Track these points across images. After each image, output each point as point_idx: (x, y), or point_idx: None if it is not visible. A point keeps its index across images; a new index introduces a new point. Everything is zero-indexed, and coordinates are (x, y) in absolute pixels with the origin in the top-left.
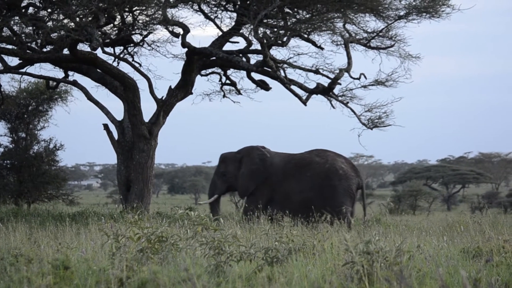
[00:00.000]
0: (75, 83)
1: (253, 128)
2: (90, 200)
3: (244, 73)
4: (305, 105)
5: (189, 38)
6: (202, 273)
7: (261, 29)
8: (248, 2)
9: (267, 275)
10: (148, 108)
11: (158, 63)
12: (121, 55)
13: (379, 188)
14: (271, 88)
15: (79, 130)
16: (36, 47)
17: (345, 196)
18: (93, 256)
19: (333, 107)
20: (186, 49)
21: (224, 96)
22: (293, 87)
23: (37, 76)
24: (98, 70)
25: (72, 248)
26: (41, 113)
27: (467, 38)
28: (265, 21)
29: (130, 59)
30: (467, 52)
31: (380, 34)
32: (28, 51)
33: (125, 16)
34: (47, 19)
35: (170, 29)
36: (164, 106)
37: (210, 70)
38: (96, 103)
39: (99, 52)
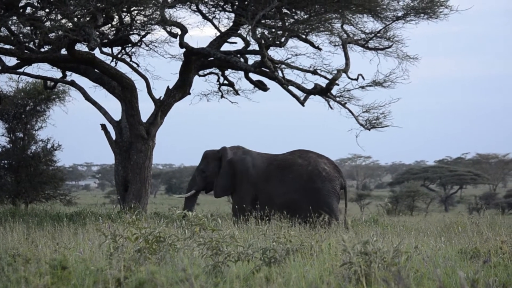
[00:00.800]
0: (73, 83)
1: (251, 129)
2: (88, 200)
3: (242, 73)
4: (303, 105)
5: (187, 39)
6: (200, 274)
7: (259, 29)
8: (246, 2)
9: (265, 276)
10: (146, 108)
11: (156, 64)
12: (119, 55)
13: (376, 189)
14: (269, 88)
15: (76, 130)
16: (34, 47)
17: (331, 197)
18: (91, 256)
19: (331, 108)
20: (184, 50)
21: (222, 96)
22: (291, 87)
23: (35, 76)
24: (96, 70)
25: (69, 248)
26: (39, 113)
27: (465, 39)
28: (263, 21)
29: (128, 59)
30: (465, 54)
31: (378, 35)
32: (26, 51)
33: (123, 16)
34: (45, 19)
35: (168, 29)
36: (162, 107)
37: (208, 71)
38: (94, 103)
39: (97, 52)
